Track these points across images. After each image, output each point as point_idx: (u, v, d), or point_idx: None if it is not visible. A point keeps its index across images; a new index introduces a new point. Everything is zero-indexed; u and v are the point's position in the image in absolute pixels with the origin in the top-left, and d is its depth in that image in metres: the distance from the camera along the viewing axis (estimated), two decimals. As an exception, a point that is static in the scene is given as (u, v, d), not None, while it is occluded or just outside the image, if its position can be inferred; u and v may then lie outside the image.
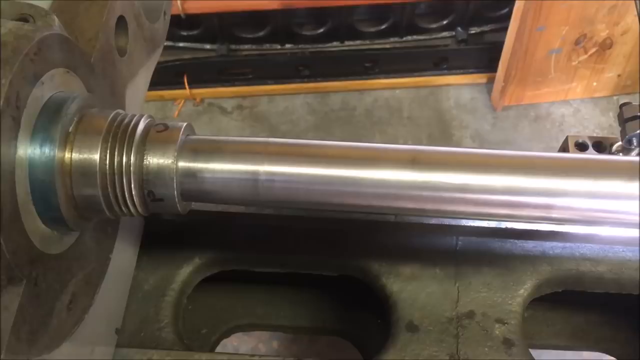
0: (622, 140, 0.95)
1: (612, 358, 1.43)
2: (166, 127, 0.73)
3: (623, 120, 0.93)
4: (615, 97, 3.24)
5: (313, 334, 1.51)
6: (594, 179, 0.68)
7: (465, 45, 3.25)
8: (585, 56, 2.99)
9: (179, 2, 2.88)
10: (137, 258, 1.16)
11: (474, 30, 3.28)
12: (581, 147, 1.06)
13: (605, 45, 2.94)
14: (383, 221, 1.15)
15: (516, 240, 1.17)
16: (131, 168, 0.70)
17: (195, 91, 3.25)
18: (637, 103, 0.96)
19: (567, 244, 1.16)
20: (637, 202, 0.68)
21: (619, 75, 3.11)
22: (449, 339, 1.10)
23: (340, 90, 3.32)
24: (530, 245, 1.16)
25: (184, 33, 3.17)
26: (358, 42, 3.28)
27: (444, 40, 3.28)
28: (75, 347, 0.86)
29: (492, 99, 3.23)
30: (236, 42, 3.25)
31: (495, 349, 1.09)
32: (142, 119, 0.73)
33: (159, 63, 1.12)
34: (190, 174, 0.71)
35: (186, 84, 3.20)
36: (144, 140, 0.72)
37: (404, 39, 3.28)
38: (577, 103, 3.24)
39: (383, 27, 3.23)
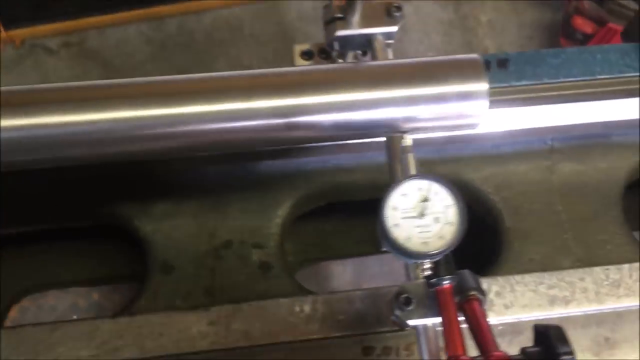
0: (327, 45, 0.89)
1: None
2: None
3: (324, 24, 0.87)
4: (454, -9, 3.23)
5: (111, 283, 1.45)
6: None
7: (299, -49, 3.09)
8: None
9: None
10: None
11: None
12: (308, 55, 1.00)
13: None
14: (130, 163, 1.07)
15: (270, 161, 1.12)
16: None
17: (13, 32, 2.92)
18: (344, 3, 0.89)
19: (321, 158, 1.12)
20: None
21: (454, -32, 3.08)
22: (206, 272, 1.06)
23: (176, 14, 3.10)
24: (284, 163, 1.12)
25: (-16, -33, 2.81)
26: (185, -42, 3.04)
27: (276, -52, 3.10)
28: None
29: (334, 5, 3.13)
30: (49, -28, 2.92)
31: (252, 276, 1.06)
32: None
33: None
34: None
35: (0, 25, 2.87)
36: None
37: (232, -50, 3.07)
38: (417, 2, 3.21)
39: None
